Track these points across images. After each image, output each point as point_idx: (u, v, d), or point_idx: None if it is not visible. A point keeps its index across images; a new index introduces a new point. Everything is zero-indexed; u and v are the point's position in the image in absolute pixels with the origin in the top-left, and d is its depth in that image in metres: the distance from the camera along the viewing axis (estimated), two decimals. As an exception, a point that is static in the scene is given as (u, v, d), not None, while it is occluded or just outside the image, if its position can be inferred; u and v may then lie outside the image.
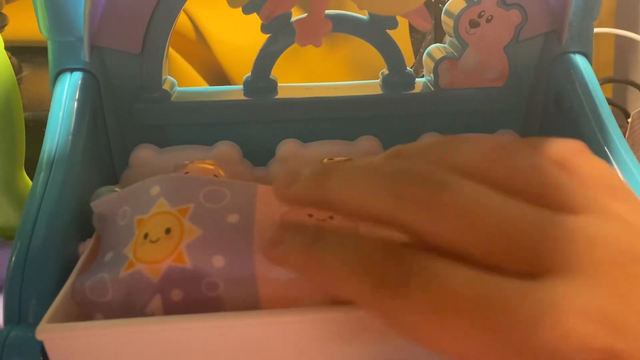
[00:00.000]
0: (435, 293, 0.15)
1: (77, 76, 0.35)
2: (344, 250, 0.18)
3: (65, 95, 0.34)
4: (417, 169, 0.18)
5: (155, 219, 0.26)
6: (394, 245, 0.17)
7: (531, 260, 0.16)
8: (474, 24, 0.37)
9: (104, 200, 0.29)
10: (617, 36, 0.67)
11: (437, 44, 0.40)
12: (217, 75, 0.65)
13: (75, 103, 0.34)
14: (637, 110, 0.55)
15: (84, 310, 0.26)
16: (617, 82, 0.68)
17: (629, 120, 0.57)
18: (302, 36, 0.32)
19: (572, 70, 0.37)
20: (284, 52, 0.37)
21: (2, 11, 0.55)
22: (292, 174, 0.21)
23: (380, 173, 0.18)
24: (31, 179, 0.37)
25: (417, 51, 0.64)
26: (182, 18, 0.64)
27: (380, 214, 0.18)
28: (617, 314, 0.15)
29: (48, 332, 0.23)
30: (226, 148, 0.36)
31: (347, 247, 0.18)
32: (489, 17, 0.37)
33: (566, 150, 0.19)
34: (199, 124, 0.38)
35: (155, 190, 0.27)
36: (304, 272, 0.19)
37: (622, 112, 0.64)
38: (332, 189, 0.19)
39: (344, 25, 0.37)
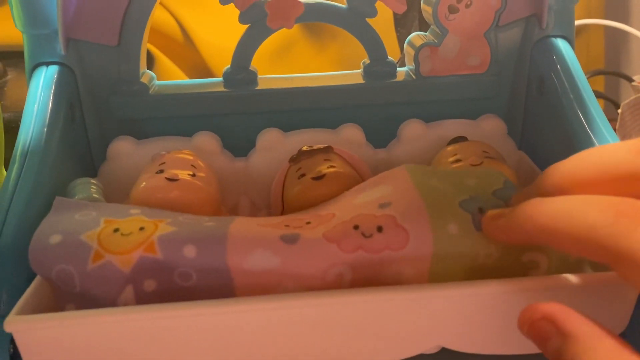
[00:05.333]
0: None
1: (53, 70, 0.35)
2: None
3: (41, 88, 0.34)
4: None
5: (130, 221, 0.26)
6: None
7: None
8: (453, 10, 0.37)
9: (72, 201, 0.29)
10: (607, 28, 0.67)
11: (418, 32, 0.40)
12: (205, 77, 0.64)
13: (51, 96, 0.34)
14: (627, 101, 0.54)
15: (56, 298, 0.25)
16: (607, 74, 0.67)
17: (619, 111, 0.56)
18: (274, 18, 0.31)
19: (554, 54, 0.37)
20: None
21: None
22: None
23: None
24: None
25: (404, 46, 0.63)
26: (169, 20, 0.64)
27: None
28: None
29: (16, 324, 0.22)
30: (205, 139, 0.36)
31: None
32: (468, 3, 0.37)
33: None
34: (179, 116, 0.38)
35: (134, 210, 0.28)
36: None
37: (613, 105, 0.64)
38: None
39: (322, 13, 0.37)
